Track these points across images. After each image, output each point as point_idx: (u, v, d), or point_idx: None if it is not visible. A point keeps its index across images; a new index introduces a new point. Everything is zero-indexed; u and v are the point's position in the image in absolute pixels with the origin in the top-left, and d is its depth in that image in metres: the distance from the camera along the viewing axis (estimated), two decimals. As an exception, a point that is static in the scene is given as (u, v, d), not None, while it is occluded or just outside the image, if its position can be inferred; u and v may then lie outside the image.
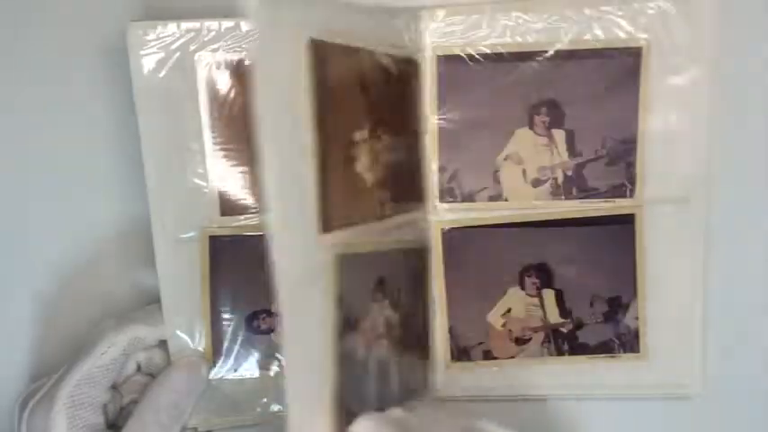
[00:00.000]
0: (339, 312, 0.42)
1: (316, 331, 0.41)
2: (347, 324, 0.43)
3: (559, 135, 0.49)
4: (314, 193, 0.41)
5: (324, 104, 0.42)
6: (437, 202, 0.51)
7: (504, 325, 0.52)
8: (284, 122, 0.40)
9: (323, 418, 0.41)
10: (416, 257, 0.51)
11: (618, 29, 0.48)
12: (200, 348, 0.50)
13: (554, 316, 0.52)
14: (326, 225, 0.42)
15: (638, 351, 0.52)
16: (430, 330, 0.52)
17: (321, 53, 0.42)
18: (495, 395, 0.53)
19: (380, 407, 0.45)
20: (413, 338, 0.51)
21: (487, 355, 0.52)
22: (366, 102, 0.45)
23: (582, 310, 0.52)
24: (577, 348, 0.52)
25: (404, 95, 0.49)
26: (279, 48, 0.40)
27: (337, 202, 0.43)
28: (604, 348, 0.52)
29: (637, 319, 0.51)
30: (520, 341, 0.52)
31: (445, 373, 0.52)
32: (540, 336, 0.52)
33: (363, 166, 0.45)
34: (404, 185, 0.49)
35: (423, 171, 0.50)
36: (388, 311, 0.47)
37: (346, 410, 0.42)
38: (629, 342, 0.52)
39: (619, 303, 0.51)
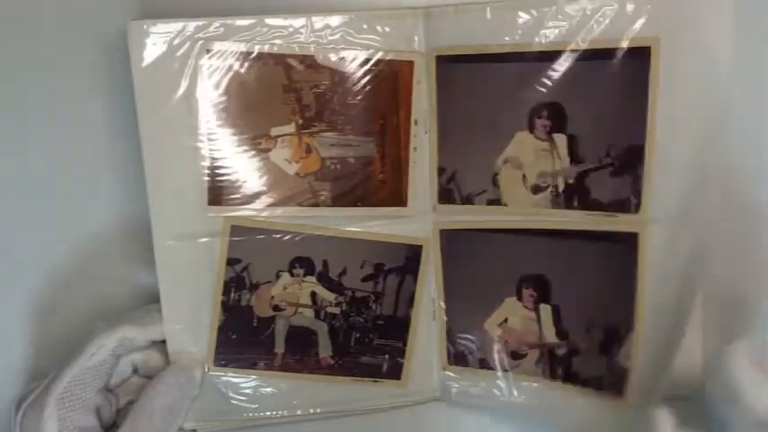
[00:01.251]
0: (228, 270, 0.49)
1: (200, 281, 0.49)
2: (239, 281, 0.49)
3: (561, 140, 0.47)
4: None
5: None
6: (436, 203, 0.50)
7: (500, 335, 0.51)
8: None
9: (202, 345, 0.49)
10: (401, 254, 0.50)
11: (625, 29, 0.46)
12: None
13: (550, 334, 0.50)
14: (215, 199, 0.48)
15: (622, 395, 0.48)
16: (411, 332, 0.51)
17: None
18: (487, 404, 0.52)
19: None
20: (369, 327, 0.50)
21: (483, 364, 0.51)
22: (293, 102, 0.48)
23: (578, 333, 0.49)
24: (570, 376, 0.50)
25: (380, 96, 0.48)
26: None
27: (235, 180, 0.48)
28: (595, 382, 0.49)
29: (629, 359, 0.48)
30: (516, 355, 0.51)
31: (441, 375, 0.52)
32: (536, 353, 0.50)
33: (283, 156, 0.48)
34: (361, 181, 0.49)
35: (405, 171, 0.49)
36: (318, 288, 0.50)
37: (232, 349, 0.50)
38: (617, 382, 0.48)
39: (615, 336, 0.48)
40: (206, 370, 0.49)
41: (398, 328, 0.51)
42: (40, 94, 0.50)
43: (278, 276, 0.49)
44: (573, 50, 0.46)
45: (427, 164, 0.49)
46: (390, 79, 0.48)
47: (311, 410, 0.51)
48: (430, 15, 0.47)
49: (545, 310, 0.50)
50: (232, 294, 0.49)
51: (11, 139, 0.50)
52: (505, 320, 0.50)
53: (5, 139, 0.50)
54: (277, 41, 0.47)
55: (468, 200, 0.49)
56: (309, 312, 0.50)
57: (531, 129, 0.48)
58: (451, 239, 0.50)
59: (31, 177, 0.50)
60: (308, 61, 0.47)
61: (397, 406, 0.52)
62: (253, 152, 0.48)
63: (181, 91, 0.47)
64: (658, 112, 0.45)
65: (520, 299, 0.50)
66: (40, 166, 0.50)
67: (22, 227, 0.51)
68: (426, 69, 0.48)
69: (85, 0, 0.49)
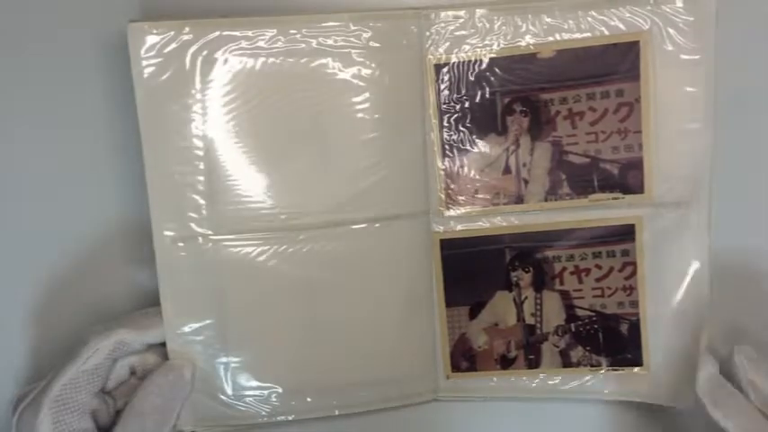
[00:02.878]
0: None
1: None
2: None
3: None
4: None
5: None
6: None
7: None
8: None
9: None
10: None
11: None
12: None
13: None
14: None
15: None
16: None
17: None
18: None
19: None
20: None
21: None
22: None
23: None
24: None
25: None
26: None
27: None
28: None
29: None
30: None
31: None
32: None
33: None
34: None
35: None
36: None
37: None
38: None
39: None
40: None
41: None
42: (39, 94, 0.49)
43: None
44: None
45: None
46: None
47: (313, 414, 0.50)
48: (430, 17, 0.47)
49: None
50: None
51: (10, 139, 0.49)
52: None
53: (4, 139, 0.49)
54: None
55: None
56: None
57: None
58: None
59: (30, 177, 0.49)
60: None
61: (396, 406, 0.51)
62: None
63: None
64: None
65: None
66: (39, 166, 0.49)
67: (21, 227, 0.49)
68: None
69: (85, 0, 0.48)
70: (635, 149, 0.47)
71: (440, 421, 0.52)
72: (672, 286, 0.48)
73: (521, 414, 0.52)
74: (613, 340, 0.49)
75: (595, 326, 0.49)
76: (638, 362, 0.49)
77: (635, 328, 0.49)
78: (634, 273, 0.48)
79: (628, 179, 0.47)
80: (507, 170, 0.48)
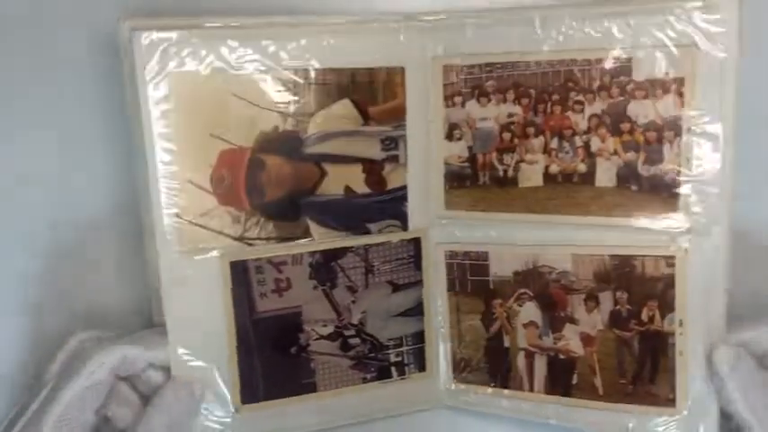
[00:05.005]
0: None
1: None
2: None
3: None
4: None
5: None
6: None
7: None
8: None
9: None
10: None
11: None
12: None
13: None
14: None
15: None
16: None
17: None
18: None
19: None
20: None
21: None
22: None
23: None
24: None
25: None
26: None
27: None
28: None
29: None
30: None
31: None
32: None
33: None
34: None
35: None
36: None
37: None
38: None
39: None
40: None
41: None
42: (37, 92, 0.48)
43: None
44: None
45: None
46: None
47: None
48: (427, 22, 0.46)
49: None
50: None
51: (9, 138, 0.48)
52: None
53: (3, 138, 0.48)
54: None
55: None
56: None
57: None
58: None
59: (29, 177, 0.48)
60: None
61: (401, 413, 0.50)
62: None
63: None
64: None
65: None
66: (38, 166, 0.48)
67: (20, 227, 0.48)
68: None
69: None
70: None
71: (442, 428, 0.51)
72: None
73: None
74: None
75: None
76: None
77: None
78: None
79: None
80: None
